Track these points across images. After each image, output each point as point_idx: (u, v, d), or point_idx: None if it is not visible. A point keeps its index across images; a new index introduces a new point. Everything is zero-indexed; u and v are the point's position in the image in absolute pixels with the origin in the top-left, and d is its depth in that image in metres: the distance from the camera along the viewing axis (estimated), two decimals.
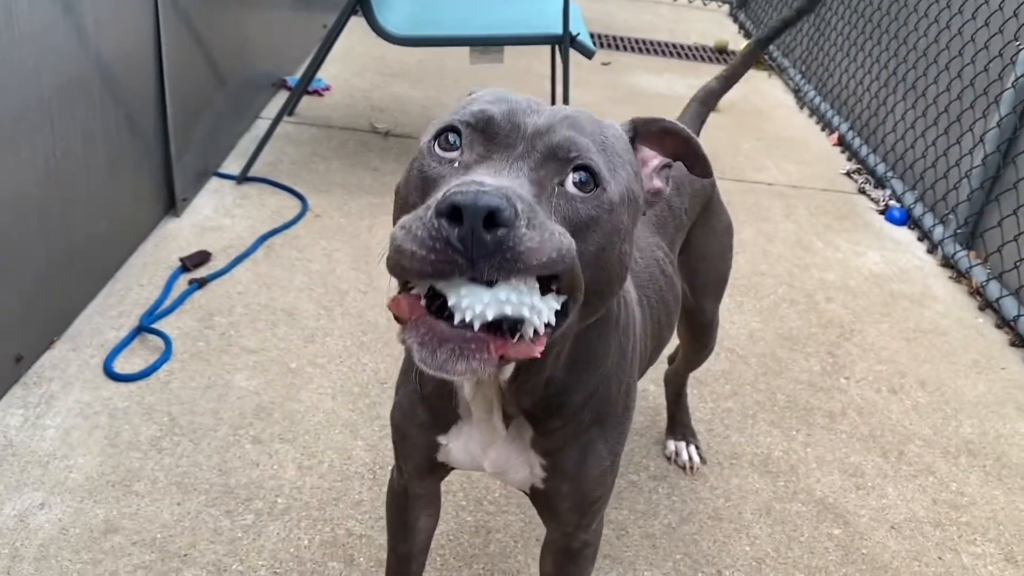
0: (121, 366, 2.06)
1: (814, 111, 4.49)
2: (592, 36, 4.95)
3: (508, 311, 0.77)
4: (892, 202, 3.55)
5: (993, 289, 2.88)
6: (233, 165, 3.07)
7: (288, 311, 2.35)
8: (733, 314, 2.65)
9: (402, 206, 0.93)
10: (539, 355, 0.82)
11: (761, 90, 4.81)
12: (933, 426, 2.29)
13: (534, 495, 1.21)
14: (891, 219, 3.45)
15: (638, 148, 1.05)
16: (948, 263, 3.14)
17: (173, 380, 2.04)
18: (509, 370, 0.97)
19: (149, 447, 1.84)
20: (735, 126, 4.19)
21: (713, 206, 1.73)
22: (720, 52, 5.40)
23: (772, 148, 4.01)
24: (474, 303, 0.76)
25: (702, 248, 1.70)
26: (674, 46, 5.40)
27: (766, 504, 1.95)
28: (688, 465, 2.02)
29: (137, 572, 1.57)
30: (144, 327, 2.17)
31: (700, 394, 2.28)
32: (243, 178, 2.99)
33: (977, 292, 2.96)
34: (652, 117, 1.05)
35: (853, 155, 4.01)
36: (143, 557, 1.60)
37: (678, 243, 1.61)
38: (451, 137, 0.90)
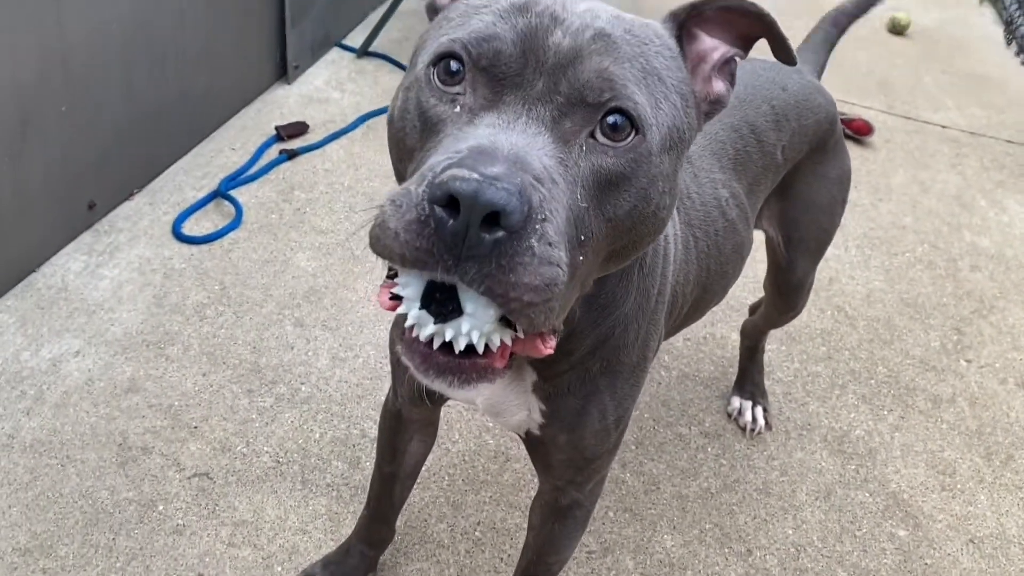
0: (190, 228, 2.06)
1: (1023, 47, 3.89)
2: None
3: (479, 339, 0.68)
4: None
5: None
6: (359, 37, 2.98)
7: (370, 195, 2.28)
8: (855, 268, 2.36)
9: (398, 146, 0.78)
10: (550, 350, 0.74)
11: (965, 19, 4.20)
12: None
13: (529, 441, 1.10)
14: None
15: (690, 43, 0.83)
16: None
17: (236, 249, 2.03)
18: None
19: (192, 313, 1.84)
20: (920, 55, 3.68)
21: (829, 148, 1.46)
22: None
23: (959, 85, 3.51)
24: (458, 333, 0.67)
25: (806, 197, 1.46)
26: None
27: (827, 487, 1.74)
28: (749, 427, 1.82)
29: (146, 435, 1.57)
30: (221, 192, 2.15)
31: (788, 351, 2.04)
32: (363, 52, 2.90)
33: None
34: None
35: None
36: (155, 422, 1.60)
37: (765, 186, 1.37)
38: (453, 65, 0.73)
